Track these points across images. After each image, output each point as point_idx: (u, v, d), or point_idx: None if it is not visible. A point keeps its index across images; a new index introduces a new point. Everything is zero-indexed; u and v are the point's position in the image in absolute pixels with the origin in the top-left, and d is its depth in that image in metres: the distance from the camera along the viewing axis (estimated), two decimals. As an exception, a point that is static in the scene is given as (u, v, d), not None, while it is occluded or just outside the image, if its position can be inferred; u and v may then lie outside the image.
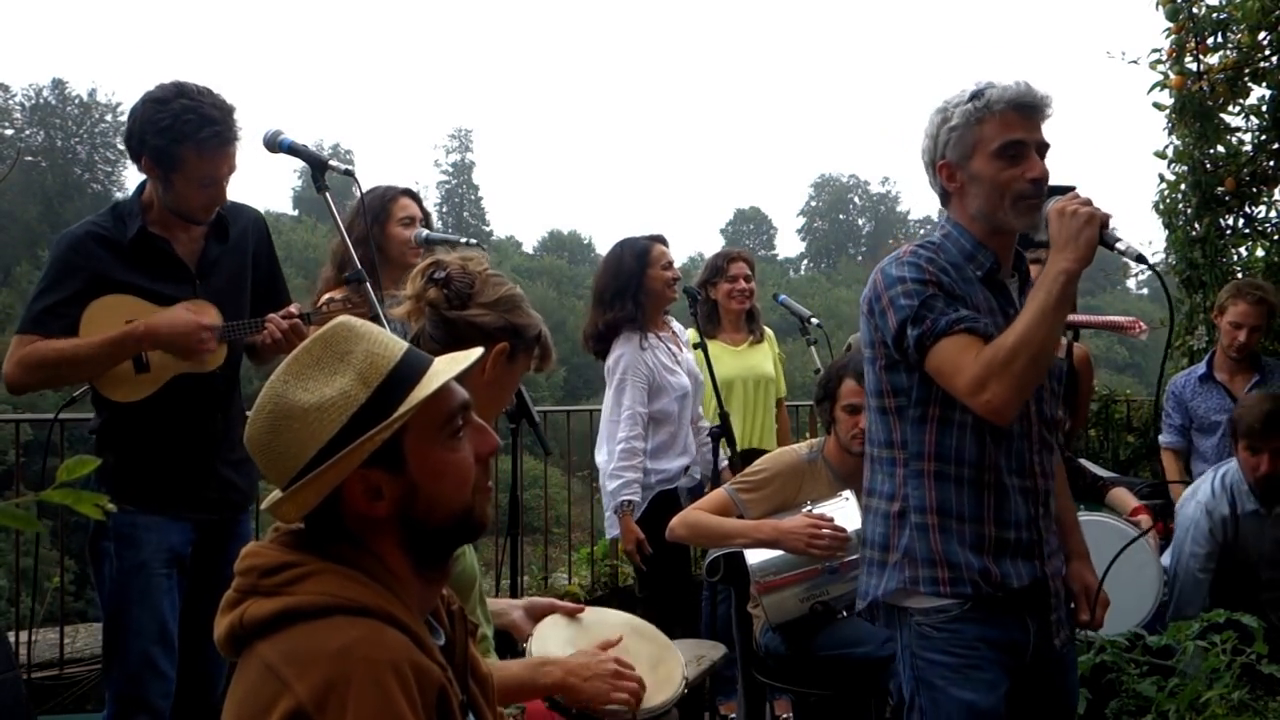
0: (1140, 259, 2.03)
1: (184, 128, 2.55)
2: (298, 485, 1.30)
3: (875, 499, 2.21)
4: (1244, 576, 3.51)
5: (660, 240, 4.11)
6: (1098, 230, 1.97)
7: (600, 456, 4.13)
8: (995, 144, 2.07)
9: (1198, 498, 3.64)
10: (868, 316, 2.17)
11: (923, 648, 2.11)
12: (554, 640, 2.17)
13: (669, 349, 4.05)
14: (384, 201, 3.43)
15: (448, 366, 1.38)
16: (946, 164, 2.14)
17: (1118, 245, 2.00)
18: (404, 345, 1.38)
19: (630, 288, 3.97)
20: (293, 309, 2.78)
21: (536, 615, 2.27)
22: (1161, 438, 4.75)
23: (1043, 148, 2.12)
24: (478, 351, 1.43)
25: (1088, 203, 2.00)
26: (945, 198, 2.20)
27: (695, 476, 4.12)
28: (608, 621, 2.28)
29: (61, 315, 2.59)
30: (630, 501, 3.89)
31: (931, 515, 2.10)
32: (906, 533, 2.12)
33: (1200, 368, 4.62)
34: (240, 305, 2.79)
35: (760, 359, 4.58)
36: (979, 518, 2.09)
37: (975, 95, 2.09)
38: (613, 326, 4.00)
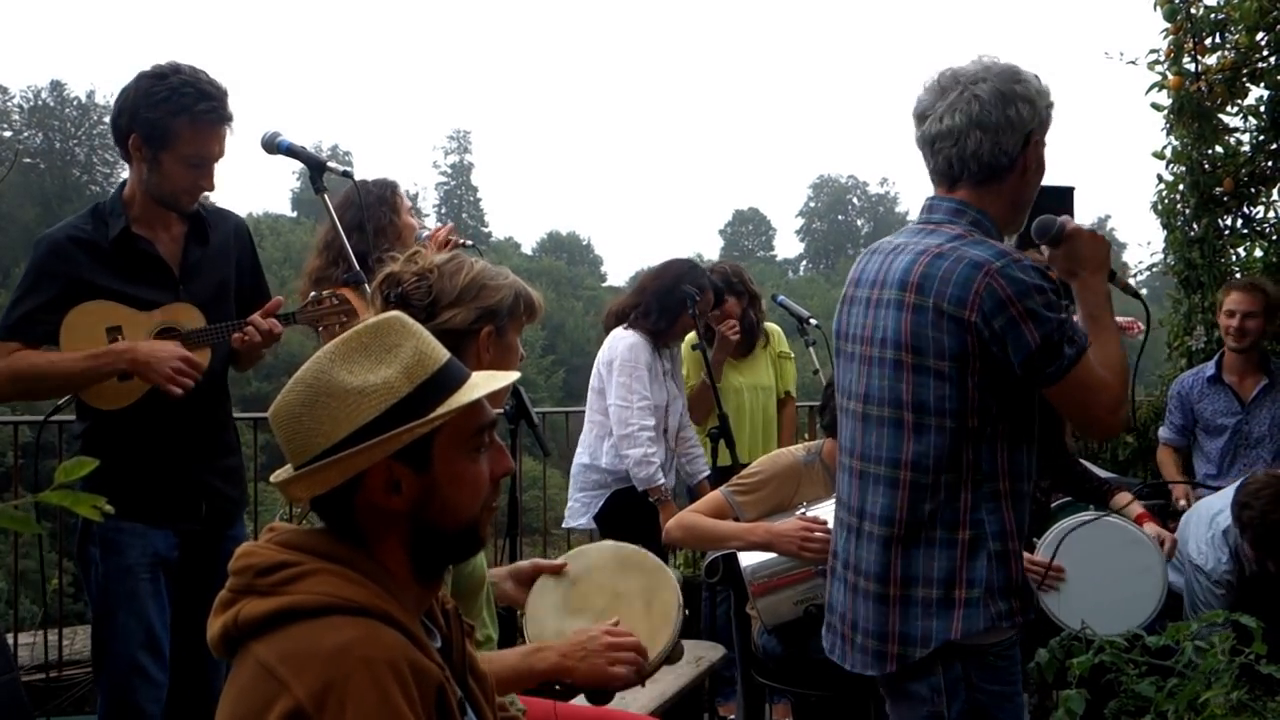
0: (1135, 293, 2.26)
1: (182, 100, 2.53)
2: (325, 462, 1.31)
3: (925, 529, 1.96)
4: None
5: (718, 292, 4.37)
6: None
7: (588, 430, 4.18)
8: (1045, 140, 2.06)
9: (1205, 566, 3.46)
10: (974, 324, 1.89)
11: (983, 679, 1.97)
12: (548, 609, 2.16)
13: (664, 363, 4.22)
14: (391, 191, 3.45)
15: (486, 382, 1.42)
16: (1038, 141, 2.01)
17: (1116, 275, 2.16)
18: (447, 353, 1.42)
19: (671, 311, 4.13)
20: (278, 300, 2.73)
21: (524, 581, 2.25)
22: (1161, 432, 4.73)
23: None
24: (514, 375, 1.51)
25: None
26: (996, 174, 2.00)
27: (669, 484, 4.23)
28: (593, 564, 2.24)
29: (40, 321, 2.55)
30: (667, 486, 4.07)
31: (1012, 541, 1.97)
32: (982, 563, 1.94)
33: (1209, 368, 4.57)
34: (224, 311, 2.73)
35: (753, 373, 4.63)
36: (1024, 533, 2.03)
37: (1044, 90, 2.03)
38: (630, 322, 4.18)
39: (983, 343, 1.90)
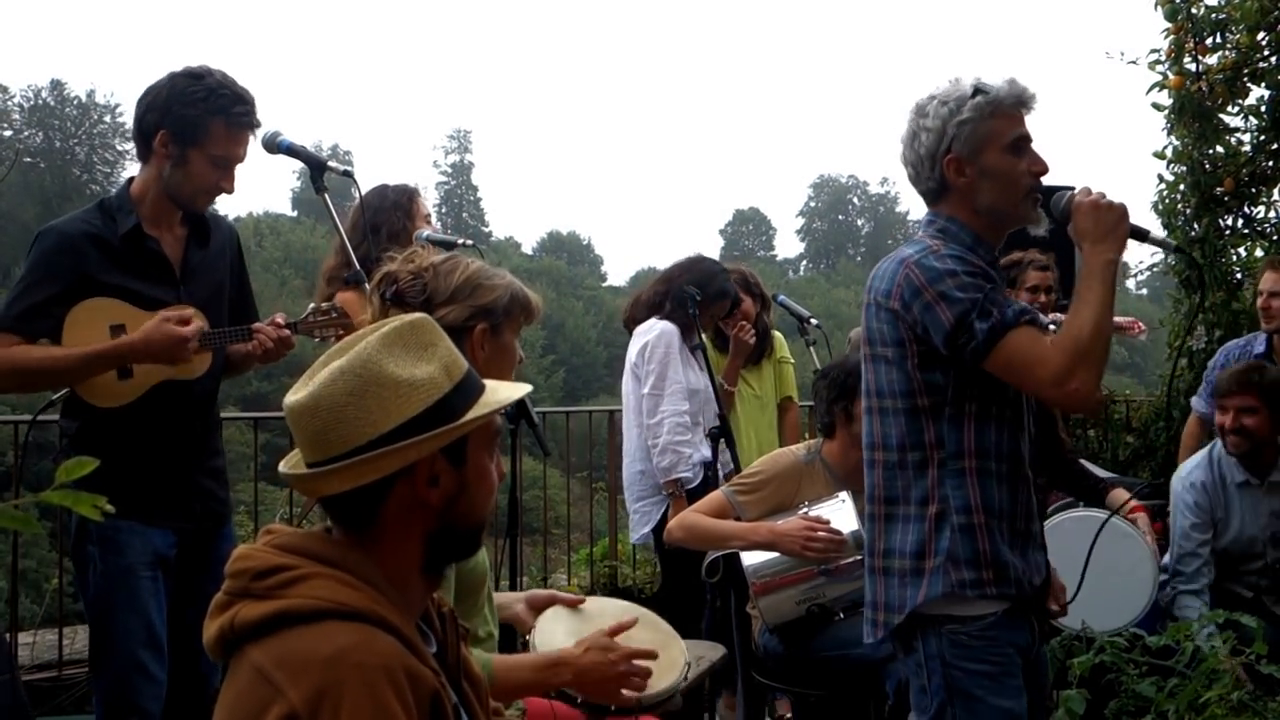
0: (1177, 247, 2.23)
1: (219, 101, 2.58)
2: (383, 451, 1.31)
3: (901, 505, 2.11)
4: (1240, 555, 3.65)
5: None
6: (1129, 223, 2.07)
7: (631, 436, 4.15)
8: (1007, 138, 2.11)
9: (1182, 472, 3.76)
10: (898, 311, 2.08)
11: (959, 657, 2.05)
12: (558, 633, 2.18)
13: (689, 351, 4.17)
14: (409, 198, 3.47)
15: (508, 387, 1.48)
16: (956, 158, 2.12)
17: (1150, 235, 2.13)
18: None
19: (703, 307, 4.06)
20: (279, 319, 2.75)
21: (538, 607, 2.28)
22: (1194, 401, 4.57)
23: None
24: (527, 387, 1.54)
25: (1104, 196, 2.08)
26: (939, 194, 2.17)
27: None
28: (608, 611, 2.29)
29: (45, 315, 2.54)
30: (685, 480, 3.95)
31: (978, 514, 2.06)
32: (947, 535, 2.06)
33: (1259, 342, 4.33)
34: (220, 314, 2.75)
35: (760, 383, 4.62)
36: (1014, 513, 2.10)
37: (980, 91, 2.11)
38: (662, 313, 4.13)
39: (910, 327, 2.07)
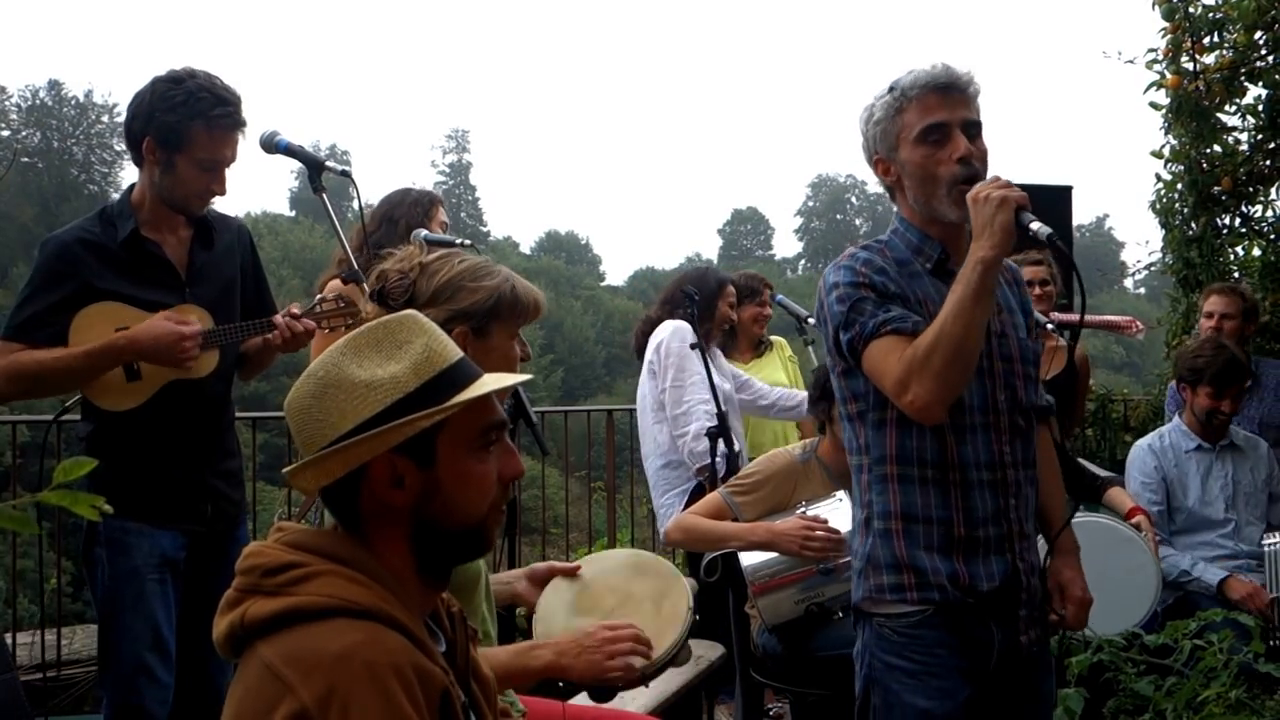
0: (1050, 240, 1.91)
1: (198, 105, 2.57)
2: (327, 451, 1.32)
3: (857, 507, 2.18)
4: (1206, 517, 3.84)
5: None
6: (1012, 214, 1.89)
7: (650, 435, 4.17)
8: (916, 130, 2.03)
9: (1141, 441, 4.09)
10: (821, 325, 2.16)
11: (881, 650, 2.07)
12: (558, 607, 2.17)
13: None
14: (431, 201, 3.53)
15: (494, 380, 1.43)
16: (881, 159, 2.12)
17: (1031, 226, 1.91)
18: (460, 352, 1.42)
19: (708, 303, 4.16)
20: (294, 309, 2.75)
21: (538, 581, 2.26)
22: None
23: (972, 126, 2.05)
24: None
25: (1005, 185, 1.93)
26: (891, 196, 2.18)
27: None
28: (608, 568, 2.26)
29: (48, 323, 2.55)
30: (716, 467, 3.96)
31: (895, 520, 2.05)
32: (871, 539, 2.08)
33: None
34: (231, 314, 2.75)
35: (770, 370, 4.64)
36: (947, 518, 2.03)
37: (893, 86, 2.07)
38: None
39: (830, 335, 2.10)
